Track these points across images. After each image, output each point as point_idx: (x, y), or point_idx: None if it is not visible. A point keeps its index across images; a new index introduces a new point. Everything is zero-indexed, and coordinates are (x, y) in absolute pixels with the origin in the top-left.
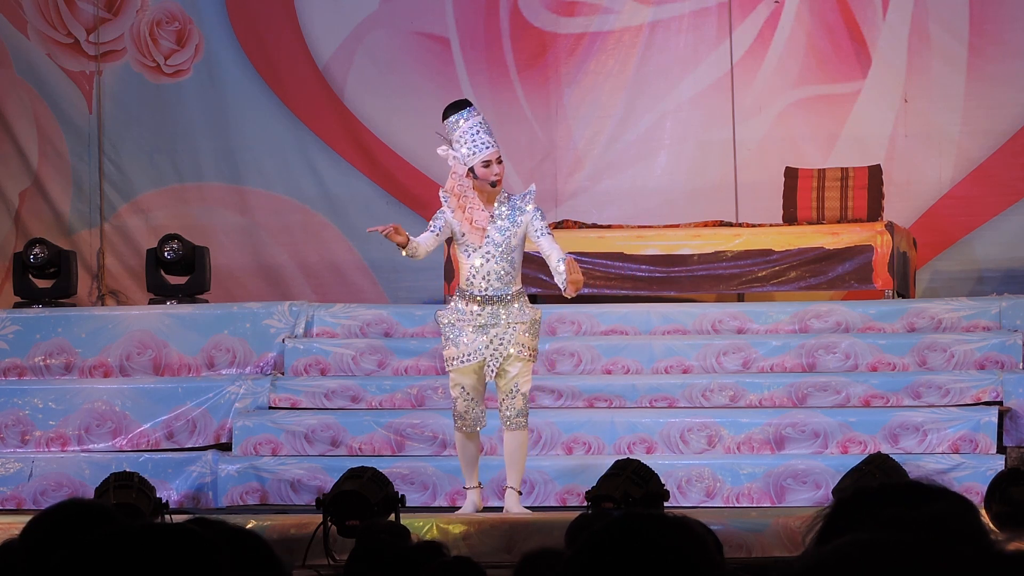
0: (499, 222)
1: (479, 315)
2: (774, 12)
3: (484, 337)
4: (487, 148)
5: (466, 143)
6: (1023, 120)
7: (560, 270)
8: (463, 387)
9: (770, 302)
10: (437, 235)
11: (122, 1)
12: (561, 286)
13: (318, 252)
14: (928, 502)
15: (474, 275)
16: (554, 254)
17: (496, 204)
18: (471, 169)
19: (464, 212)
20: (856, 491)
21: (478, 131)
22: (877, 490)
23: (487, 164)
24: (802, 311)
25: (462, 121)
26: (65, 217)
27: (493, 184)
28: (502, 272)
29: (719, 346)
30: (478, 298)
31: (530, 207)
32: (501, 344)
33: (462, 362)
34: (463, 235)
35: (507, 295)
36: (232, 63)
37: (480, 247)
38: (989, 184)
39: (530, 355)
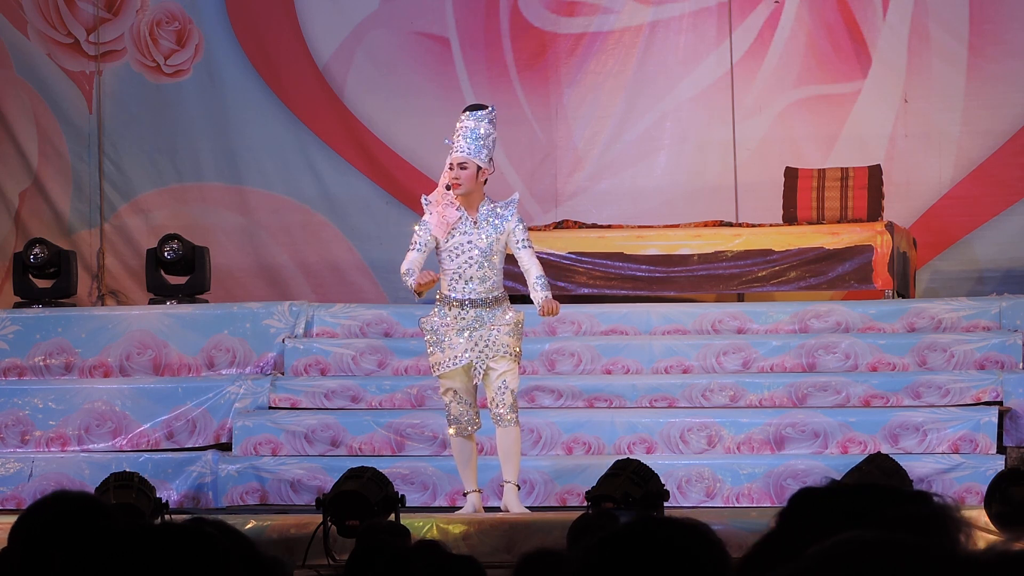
0: (482, 228)
1: (462, 319)
2: (774, 12)
3: (468, 340)
4: (454, 152)
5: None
6: (1023, 120)
7: (537, 288)
8: (454, 391)
9: (770, 302)
10: (423, 252)
11: (122, 1)
12: (536, 304)
13: (318, 252)
14: (896, 505)
15: (456, 280)
16: (532, 270)
17: (479, 210)
18: None
19: (439, 206)
20: (804, 493)
21: (461, 135)
22: (830, 493)
23: (450, 166)
24: (802, 311)
25: (462, 120)
26: (65, 217)
27: (448, 187)
28: (483, 277)
29: (719, 346)
30: (460, 302)
31: (514, 216)
32: (486, 346)
33: (448, 366)
34: (445, 241)
35: (489, 299)
36: (232, 63)
37: (457, 252)
38: (989, 184)
39: (515, 355)
